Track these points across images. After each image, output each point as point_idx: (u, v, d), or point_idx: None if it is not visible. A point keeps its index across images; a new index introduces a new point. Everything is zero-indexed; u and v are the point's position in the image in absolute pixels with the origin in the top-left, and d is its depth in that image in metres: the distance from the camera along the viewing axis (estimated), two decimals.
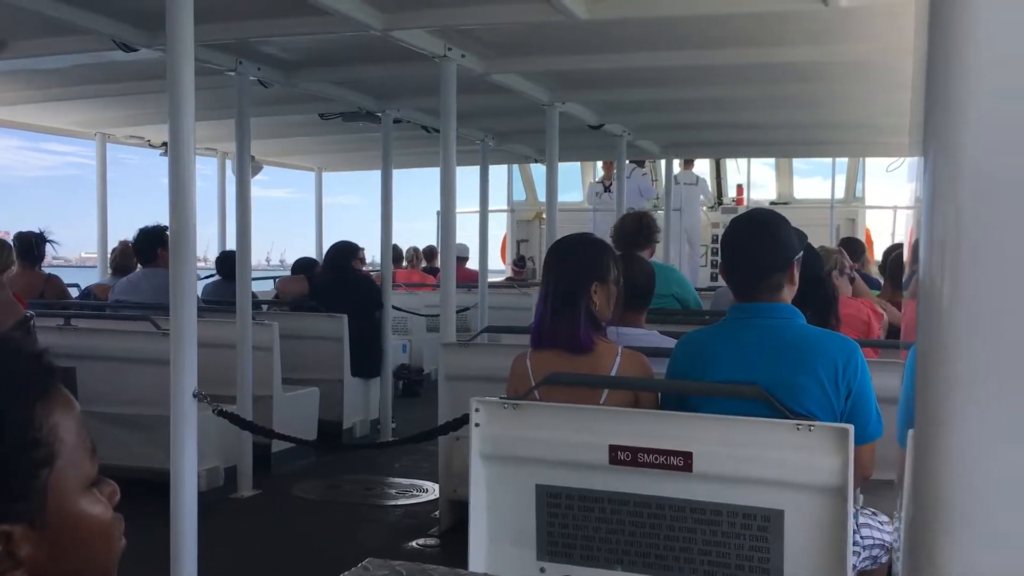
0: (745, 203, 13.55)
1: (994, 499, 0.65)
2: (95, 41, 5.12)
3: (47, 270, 6.97)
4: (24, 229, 6.55)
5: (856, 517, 2.71)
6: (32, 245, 6.39)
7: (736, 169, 14.28)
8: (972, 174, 0.68)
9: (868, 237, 12.77)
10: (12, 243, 5.88)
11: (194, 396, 3.63)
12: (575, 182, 14.18)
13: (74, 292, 7.55)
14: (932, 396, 0.67)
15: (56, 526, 0.88)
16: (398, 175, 8.01)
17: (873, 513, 2.94)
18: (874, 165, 13.24)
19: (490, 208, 9.70)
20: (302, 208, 11.43)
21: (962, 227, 0.68)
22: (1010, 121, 0.69)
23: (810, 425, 2.40)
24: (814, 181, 14.16)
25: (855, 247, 6.55)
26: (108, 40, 5.02)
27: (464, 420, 2.87)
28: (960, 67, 0.69)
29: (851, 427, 2.36)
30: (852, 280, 4.65)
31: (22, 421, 0.86)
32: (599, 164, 13.08)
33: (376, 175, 7.38)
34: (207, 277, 8.07)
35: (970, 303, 0.66)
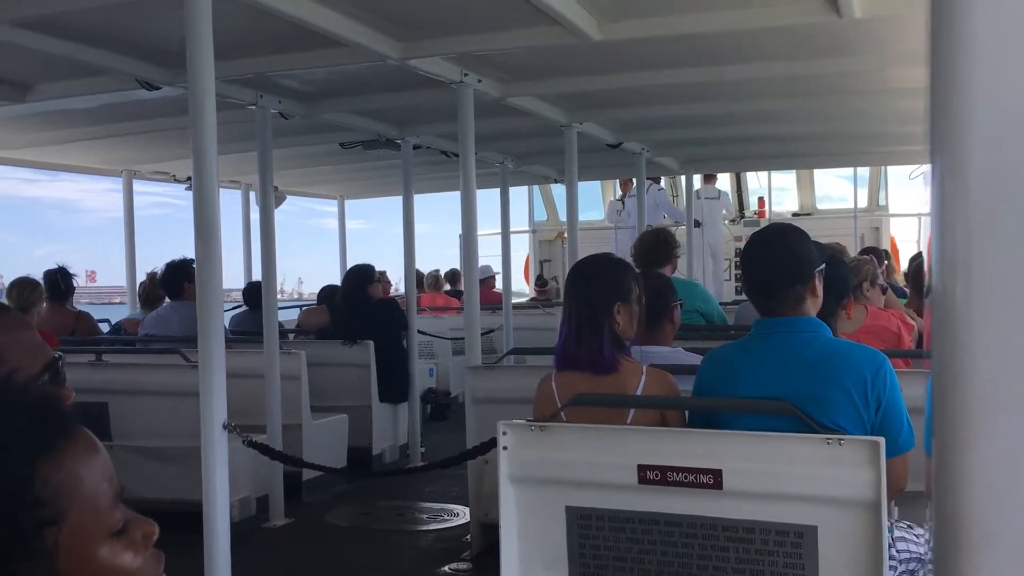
0: (767, 215, 13.50)
1: (1019, 518, 0.65)
2: (119, 81, 5.22)
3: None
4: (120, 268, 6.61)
5: (891, 531, 2.68)
6: (57, 282, 6.47)
7: (757, 182, 14.25)
8: (980, 185, 0.69)
9: (893, 245, 12.68)
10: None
11: (224, 427, 3.66)
12: (596, 201, 14.20)
13: (105, 327, 7.63)
14: (950, 412, 0.67)
15: None
16: (421, 199, 8.07)
17: (909, 526, 2.91)
18: (897, 173, 13.16)
19: (512, 229, 9.74)
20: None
21: (972, 239, 0.68)
22: (1020, 129, 0.69)
23: (840, 439, 2.38)
24: (837, 190, 14.09)
25: (877, 257, 6.50)
26: (132, 79, 5.11)
27: (492, 443, 2.88)
28: (964, 75, 0.70)
29: (882, 440, 2.34)
30: (884, 291, 4.61)
31: (21, 481, 0.82)
32: (617, 183, 13.10)
33: (396, 201, 7.43)
34: (234, 308, 8.14)
35: (983, 317, 0.66)
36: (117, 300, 9.50)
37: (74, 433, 0.89)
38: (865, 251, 6.94)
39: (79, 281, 6.77)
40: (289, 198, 10.91)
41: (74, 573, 0.85)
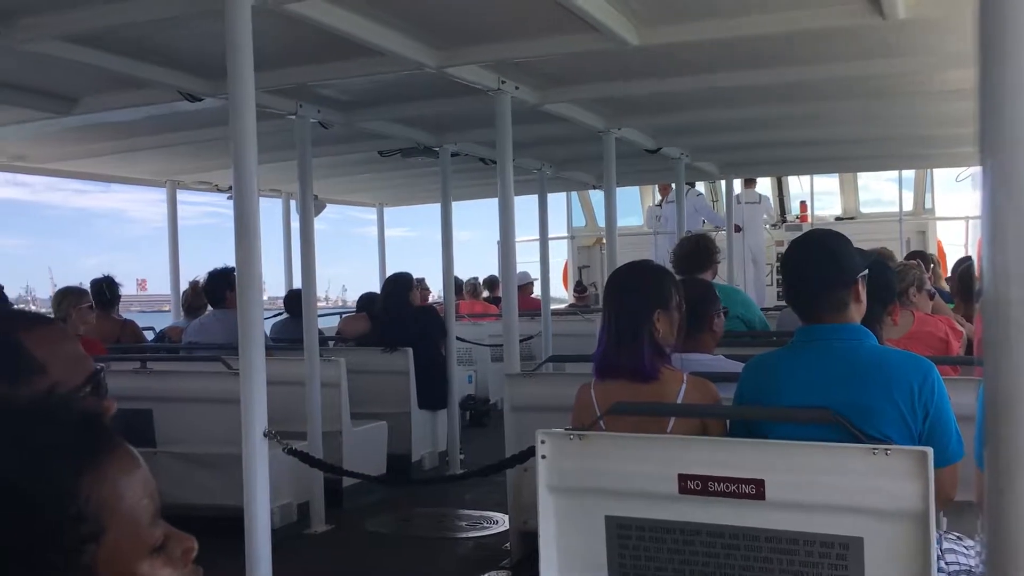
0: (809, 220, 13.34)
1: None
2: (162, 93, 5.30)
3: None
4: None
5: (940, 542, 2.62)
6: (103, 291, 6.58)
7: (799, 185, 14.08)
8: None
9: (940, 250, 12.47)
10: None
11: (264, 435, 3.68)
12: (634, 206, 14.14)
13: (149, 335, 7.74)
14: (1004, 426, 0.64)
15: None
16: (464, 207, 8.08)
17: (958, 538, 2.84)
18: (944, 175, 12.94)
19: (550, 236, 9.72)
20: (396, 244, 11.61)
21: (1021, 244, 0.65)
22: None
23: (887, 449, 2.33)
24: (882, 194, 13.89)
25: (924, 261, 6.38)
26: (174, 91, 5.19)
27: (531, 452, 2.86)
28: (1014, 78, 0.67)
29: (930, 450, 2.29)
30: (932, 296, 4.51)
31: (63, 495, 0.82)
32: (656, 188, 13.03)
33: (434, 208, 7.46)
34: (275, 316, 8.21)
35: None
36: (166, 308, 9.63)
37: (115, 448, 0.88)
38: (912, 255, 6.81)
39: (129, 290, 6.89)
40: (333, 207, 11.00)
41: None
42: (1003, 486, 0.63)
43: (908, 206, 12.84)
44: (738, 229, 11.18)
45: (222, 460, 5.24)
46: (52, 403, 0.89)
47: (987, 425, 0.64)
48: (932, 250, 11.78)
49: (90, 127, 6.38)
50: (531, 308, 9.82)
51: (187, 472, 5.32)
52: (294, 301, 7.53)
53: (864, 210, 13.66)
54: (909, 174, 12.70)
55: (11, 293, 5.86)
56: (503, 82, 5.28)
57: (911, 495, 2.29)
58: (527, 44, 4.72)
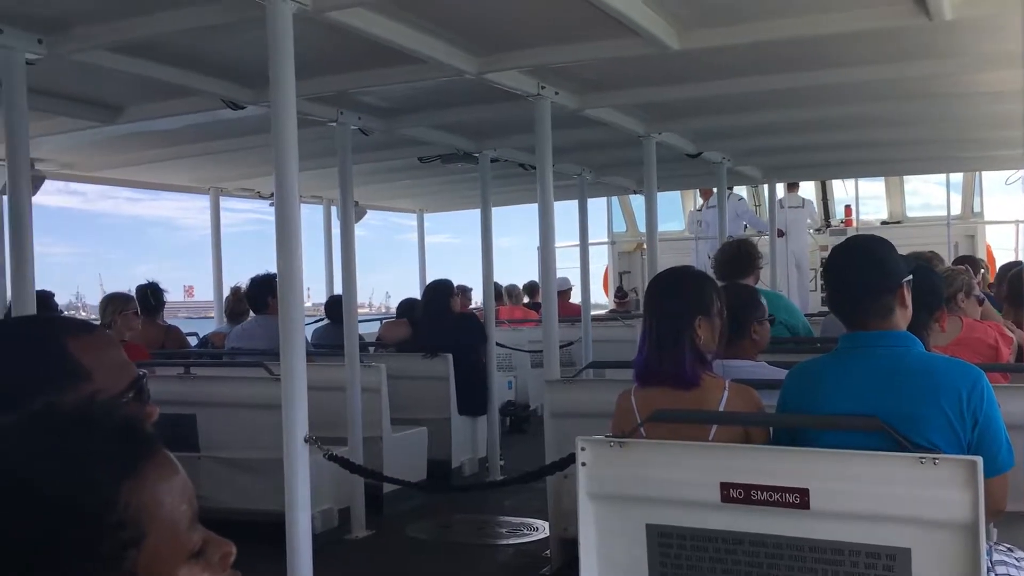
0: (854, 224, 13.15)
1: None
2: (205, 101, 5.37)
3: None
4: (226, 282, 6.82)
5: (990, 554, 2.56)
6: (148, 297, 6.67)
7: (843, 190, 13.89)
8: None
9: (989, 254, 12.23)
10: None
11: (305, 440, 3.70)
12: (675, 211, 14.05)
13: (193, 341, 7.84)
14: None
15: None
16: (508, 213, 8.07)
17: (1009, 549, 2.77)
18: (993, 178, 12.69)
19: (590, 241, 9.69)
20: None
21: None
22: None
23: (935, 458, 2.28)
24: (931, 198, 13.65)
25: (972, 266, 6.24)
26: (217, 100, 5.26)
27: (571, 458, 2.84)
28: None
29: (979, 459, 2.23)
30: (981, 302, 4.41)
31: (105, 503, 0.83)
32: (698, 192, 12.93)
33: (477, 214, 7.46)
34: (316, 321, 8.27)
35: None
36: (211, 315, 9.76)
37: (155, 455, 0.89)
38: (960, 260, 6.66)
39: (176, 296, 7.00)
40: (377, 214, 11.06)
41: None
42: None
43: (956, 210, 12.60)
44: (781, 234, 11.05)
45: (264, 465, 5.28)
46: (94, 410, 0.90)
47: None
48: (981, 254, 11.55)
49: (135, 135, 6.49)
50: (570, 314, 9.79)
51: (230, 477, 5.38)
52: (335, 307, 7.58)
53: (911, 214, 13.44)
54: (957, 178, 12.47)
55: (61, 300, 5.98)
56: (543, 87, 5.27)
57: (960, 505, 2.24)
58: (567, 49, 4.71)
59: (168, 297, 7.22)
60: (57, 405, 0.91)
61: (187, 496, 0.90)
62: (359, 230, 6.33)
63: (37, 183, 6.53)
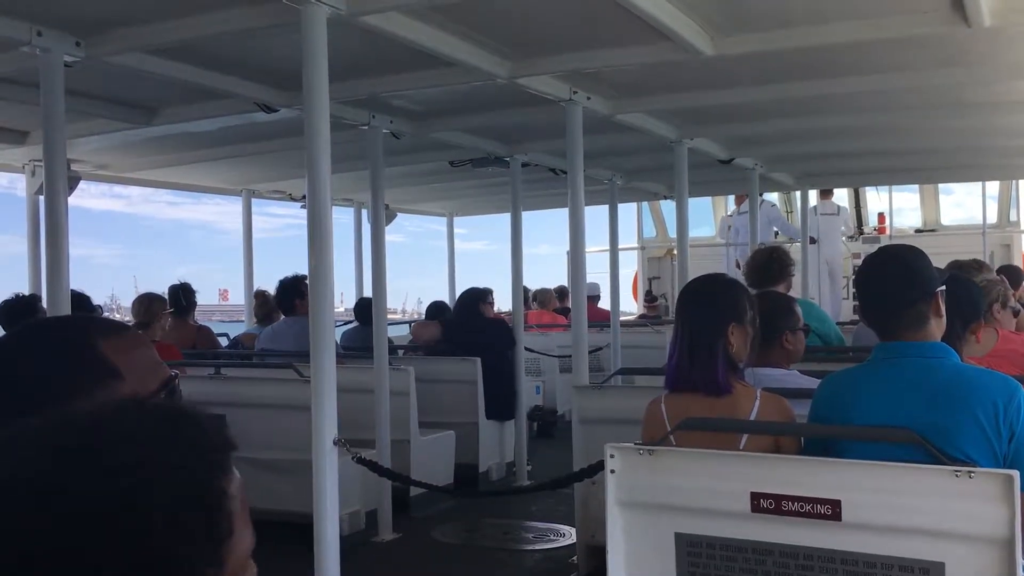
0: (888, 232, 12.99)
1: None
2: (238, 104, 5.42)
3: None
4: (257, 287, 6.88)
5: None
6: (179, 297, 6.73)
7: (878, 198, 13.74)
8: None
9: None
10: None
11: (334, 443, 3.71)
12: (706, 217, 13.96)
13: (224, 342, 7.90)
14: None
15: None
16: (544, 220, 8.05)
17: None
18: None
19: (620, 246, 9.65)
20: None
21: None
22: None
23: (970, 471, 2.24)
24: (973, 208, 13.44)
25: (1014, 275, 6.14)
26: (250, 103, 5.31)
27: (599, 465, 2.83)
28: None
29: (1016, 473, 2.19)
30: (1016, 313, 4.34)
31: (216, 490, 0.87)
32: (731, 198, 12.84)
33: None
34: (345, 323, 8.31)
35: None
36: (242, 319, 9.84)
37: (232, 462, 0.93)
38: (1002, 270, 6.54)
39: (211, 299, 7.08)
40: (410, 219, 11.09)
41: None
42: None
43: (992, 219, 12.41)
44: (813, 241, 10.95)
45: (293, 466, 5.31)
46: (191, 408, 0.94)
47: None
48: (1017, 263, 11.36)
49: (169, 137, 6.56)
50: (599, 319, 9.76)
51: (258, 478, 5.40)
52: (364, 309, 7.62)
53: (945, 223, 13.26)
54: (993, 186, 12.29)
55: (97, 301, 6.05)
56: (575, 92, 5.27)
57: (996, 520, 2.20)
58: (600, 54, 4.70)
59: (203, 300, 7.29)
60: (147, 402, 0.96)
61: (246, 500, 0.94)
62: (394, 236, 6.39)
63: (73, 184, 6.60)
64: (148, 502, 0.82)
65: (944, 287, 2.63)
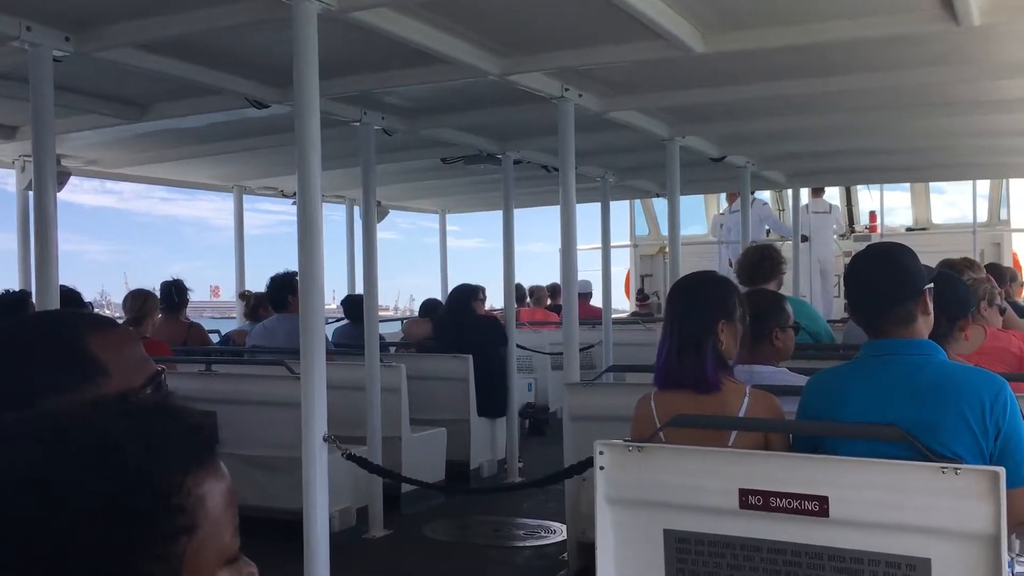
0: (879, 231, 13.03)
1: None
2: (230, 100, 5.40)
3: None
4: (249, 284, 6.87)
5: (1011, 566, 2.52)
6: (171, 294, 6.71)
7: (869, 196, 13.77)
8: None
9: (1016, 262, 12.07)
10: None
11: (324, 439, 3.71)
12: (699, 215, 13.98)
13: (215, 338, 7.89)
14: None
15: None
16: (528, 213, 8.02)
17: None
18: (1020, 186, 12.54)
19: (612, 244, 9.66)
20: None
21: None
22: None
23: (956, 468, 2.25)
24: (955, 205, 13.50)
25: (1000, 274, 6.17)
26: (241, 99, 5.29)
27: (589, 462, 2.83)
28: None
29: (1002, 470, 2.20)
30: (1003, 311, 4.37)
31: (170, 485, 0.88)
32: (723, 196, 12.87)
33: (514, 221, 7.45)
34: (336, 321, 8.30)
35: None
36: (233, 315, 9.83)
37: (214, 457, 0.94)
38: (988, 268, 6.58)
39: (203, 296, 7.07)
40: (407, 219, 11.08)
41: None
42: None
43: (983, 217, 12.46)
44: (804, 239, 10.97)
45: (284, 463, 5.31)
46: (172, 403, 0.96)
47: None
48: (1007, 262, 11.41)
49: (160, 132, 6.55)
50: (591, 316, 9.76)
51: (249, 474, 5.40)
52: (352, 306, 7.61)
53: (936, 221, 13.31)
54: (984, 184, 12.33)
55: (87, 297, 6.03)
56: (567, 90, 5.27)
57: (982, 516, 2.22)
58: (591, 52, 4.70)
59: (194, 296, 7.27)
60: (135, 397, 0.98)
61: (233, 504, 0.95)
62: (387, 233, 6.40)
63: (63, 179, 6.59)
64: (93, 491, 0.83)
65: (932, 285, 2.65)
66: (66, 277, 4.26)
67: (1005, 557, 2.22)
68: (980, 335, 3.79)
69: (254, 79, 5.13)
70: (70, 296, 5.10)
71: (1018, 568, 2.63)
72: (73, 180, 7.74)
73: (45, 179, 4.14)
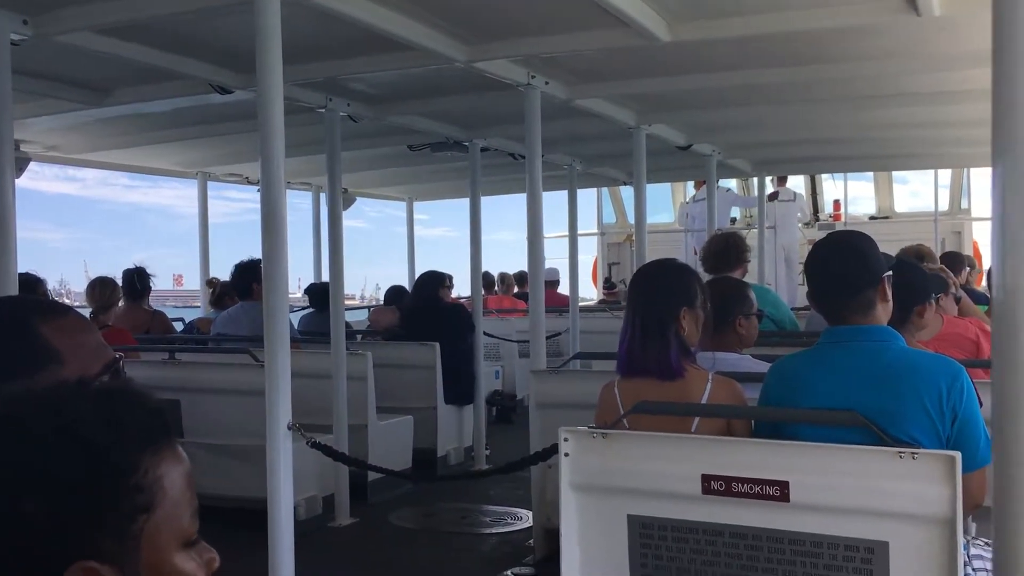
0: (843, 219, 13.18)
1: None
2: (192, 85, 5.34)
3: None
4: (213, 272, 6.79)
5: (967, 548, 2.58)
6: (134, 281, 6.63)
7: (834, 185, 13.92)
8: None
9: (976, 250, 12.28)
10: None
11: (288, 427, 3.69)
12: (666, 203, 14.05)
13: (179, 327, 7.81)
14: (1010, 422, 0.62)
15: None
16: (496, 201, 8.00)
17: (986, 544, 2.78)
18: (980, 175, 12.74)
19: (580, 232, 9.68)
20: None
21: None
22: None
23: (914, 453, 2.29)
24: (917, 194, 13.70)
25: (957, 262, 6.28)
26: (205, 84, 5.23)
27: (555, 449, 2.85)
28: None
29: (958, 454, 2.25)
30: (958, 300, 4.45)
31: (128, 465, 0.90)
32: (690, 184, 12.94)
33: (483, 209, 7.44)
34: (302, 309, 8.25)
35: None
36: (197, 304, 9.75)
37: (172, 440, 0.97)
38: (946, 256, 6.69)
39: (166, 285, 6.99)
40: (376, 207, 11.03)
41: (147, 567, 0.90)
42: (1007, 485, 0.61)
43: (944, 206, 12.65)
44: (770, 227, 11.08)
45: (249, 452, 5.27)
46: (130, 387, 1.00)
47: (994, 414, 0.62)
48: (968, 250, 11.59)
49: (122, 118, 6.45)
50: (558, 304, 9.79)
51: (214, 463, 5.35)
52: (316, 294, 7.57)
53: (899, 209, 13.49)
54: (945, 174, 12.52)
55: (49, 286, 5.96)
56: (533, 77, 5.26)
57: (938, 500, 2.26)
58: (557, 39, 4.70)
59: (158, 285, 7.19)
60: (99, 383, 1.04)
61: (192, 486, 0.98)
62: (355, 221, 6.35)
63: (21, 165, 6.49)
64: (51, 471, 0.86)
65: (891, 272, 2.69)
66: (24, 265, 4.20)
67: (960, 540, 2.26)
68: (939, 322, 3.85)
69: (217, 64, 5.07)
70: (32, 284, 5.02)
71: (973, 550, 2.69)
72: (33, 167, 7.62)
73: (3, 165, 4.07)
